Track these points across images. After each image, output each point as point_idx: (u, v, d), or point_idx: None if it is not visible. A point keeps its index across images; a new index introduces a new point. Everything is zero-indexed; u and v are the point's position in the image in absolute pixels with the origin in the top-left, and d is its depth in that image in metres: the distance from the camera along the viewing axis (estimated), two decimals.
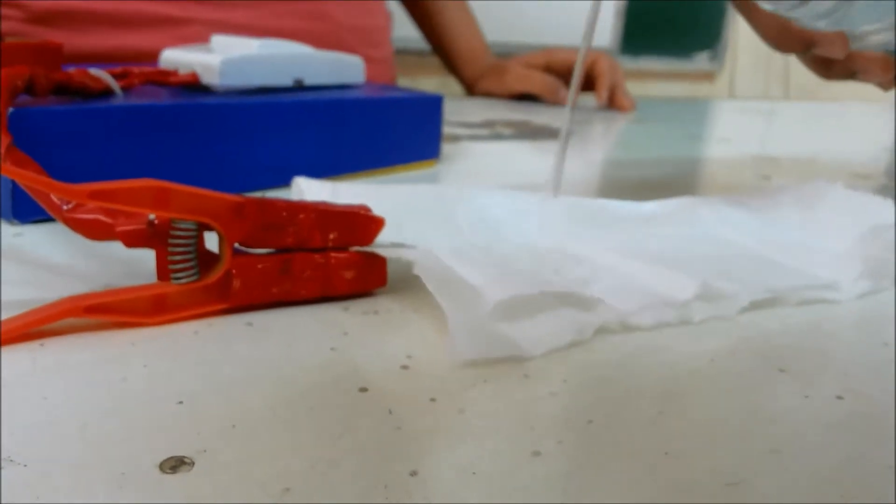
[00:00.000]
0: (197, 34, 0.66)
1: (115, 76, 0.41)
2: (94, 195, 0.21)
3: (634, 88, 0.88)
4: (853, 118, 0.91)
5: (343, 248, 0.25)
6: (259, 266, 0.24)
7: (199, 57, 0.41)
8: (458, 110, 0.74)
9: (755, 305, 0.27)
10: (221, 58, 0.40)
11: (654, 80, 1.80)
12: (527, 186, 0.44)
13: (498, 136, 0.60)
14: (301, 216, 0.24)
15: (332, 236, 0.25)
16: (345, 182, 0.32)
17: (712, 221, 0.35)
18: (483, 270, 0.24)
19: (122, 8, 0.63)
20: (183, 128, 0.36)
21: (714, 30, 1.83)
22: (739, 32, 1.81)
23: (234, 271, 0.23)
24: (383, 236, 0.27)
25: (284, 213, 0.24)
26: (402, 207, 0.30)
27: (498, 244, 0.30)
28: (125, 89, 0.38)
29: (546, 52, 0.89)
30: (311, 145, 0.41)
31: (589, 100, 0.88)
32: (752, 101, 1.06)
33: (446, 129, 0.61)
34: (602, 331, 0.24)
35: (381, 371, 0.21)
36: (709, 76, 1.86)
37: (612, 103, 0.83)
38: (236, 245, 0.24)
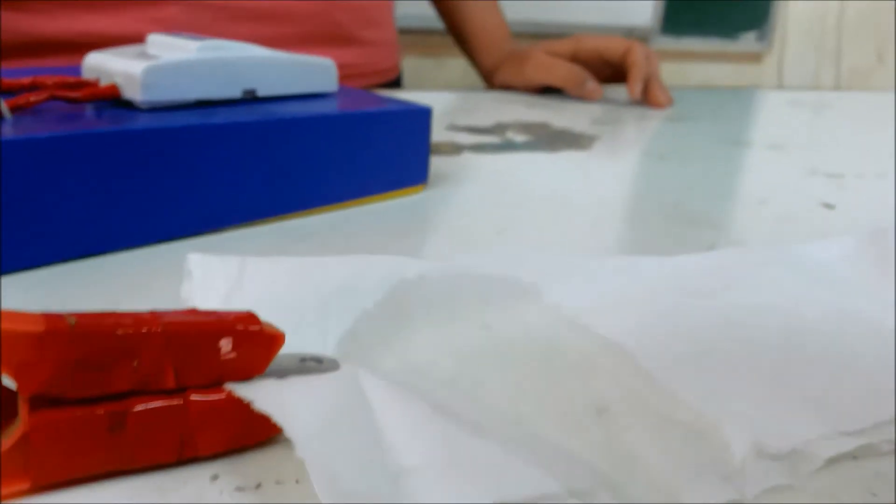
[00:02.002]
0: (172, 16, 0.59)
1: (23, 88, 0.33)
2: None
3: (676, 71, 0.78)
4: None
5: (214, 385, 0.17)
6: (75, 424, 0.16)
7: (121, 64, 0.33)
8: (468, 109, 0.65)
9: (835, 459, 0.18)
10: (144, 66, 0.32)
11: (697, 61, 1.69)
12: (531, 241, 0.33)
13: (508, 146, 0.51)
14: (145, 342, 0.16)
15: (194, 370, 0.17)
16: (256, 257, 0.24)
17: (774, 288, 0.27)
18: (433, 428, 0.16)
19: None
20: (84, 165, 0.27)
21: (762, 8, 1.70)
22: (789, 11, 1.68)
23: (33, 435, 0.15)
24: (301, 340, 0.19)
25: (117, 341, 0.16)
26: (336, 291, 0.22)
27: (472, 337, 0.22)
28: (19, 109, 0.31)
29: (573, 39, 0.79)
30: (264, 176, 0.33)
31: (620, 92, 0.79)
32: (802, 92, 0.95)
33: (448, 136, 0.53)
34: None
35: None
36: (756, 57, 1.74)
37: (647, 98, 0.73)
38: (39, 395, 0.16)
